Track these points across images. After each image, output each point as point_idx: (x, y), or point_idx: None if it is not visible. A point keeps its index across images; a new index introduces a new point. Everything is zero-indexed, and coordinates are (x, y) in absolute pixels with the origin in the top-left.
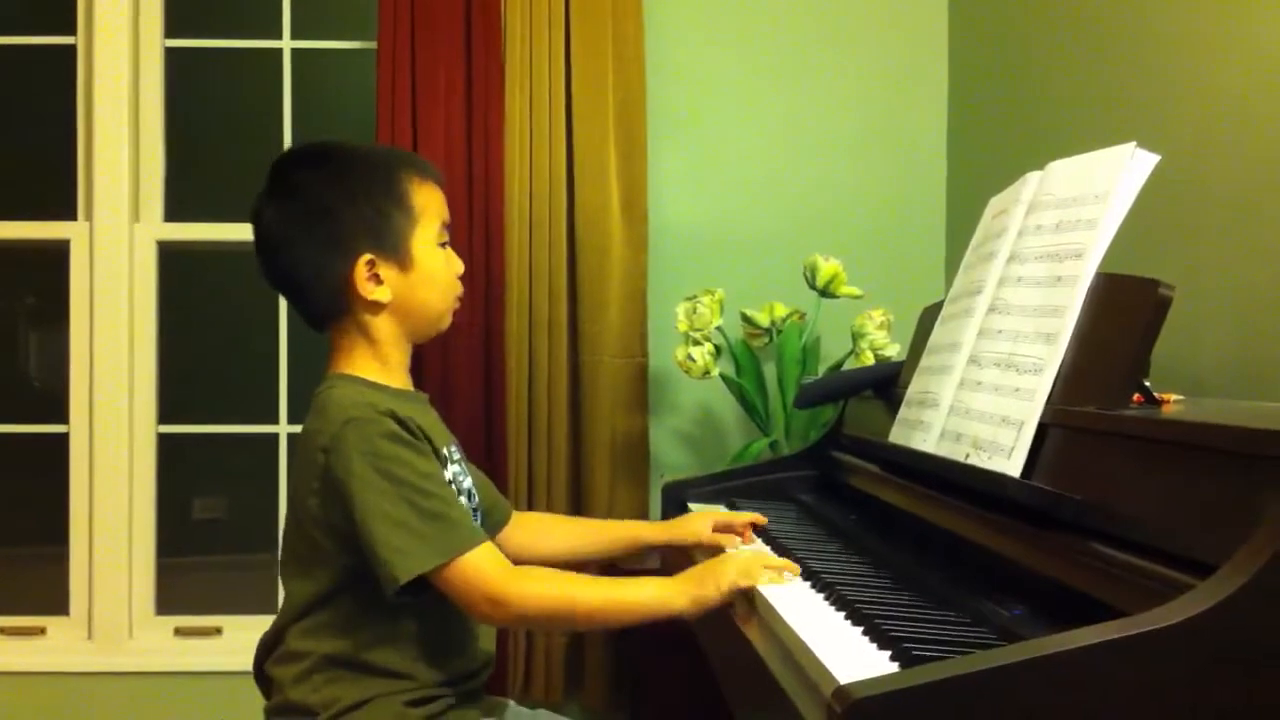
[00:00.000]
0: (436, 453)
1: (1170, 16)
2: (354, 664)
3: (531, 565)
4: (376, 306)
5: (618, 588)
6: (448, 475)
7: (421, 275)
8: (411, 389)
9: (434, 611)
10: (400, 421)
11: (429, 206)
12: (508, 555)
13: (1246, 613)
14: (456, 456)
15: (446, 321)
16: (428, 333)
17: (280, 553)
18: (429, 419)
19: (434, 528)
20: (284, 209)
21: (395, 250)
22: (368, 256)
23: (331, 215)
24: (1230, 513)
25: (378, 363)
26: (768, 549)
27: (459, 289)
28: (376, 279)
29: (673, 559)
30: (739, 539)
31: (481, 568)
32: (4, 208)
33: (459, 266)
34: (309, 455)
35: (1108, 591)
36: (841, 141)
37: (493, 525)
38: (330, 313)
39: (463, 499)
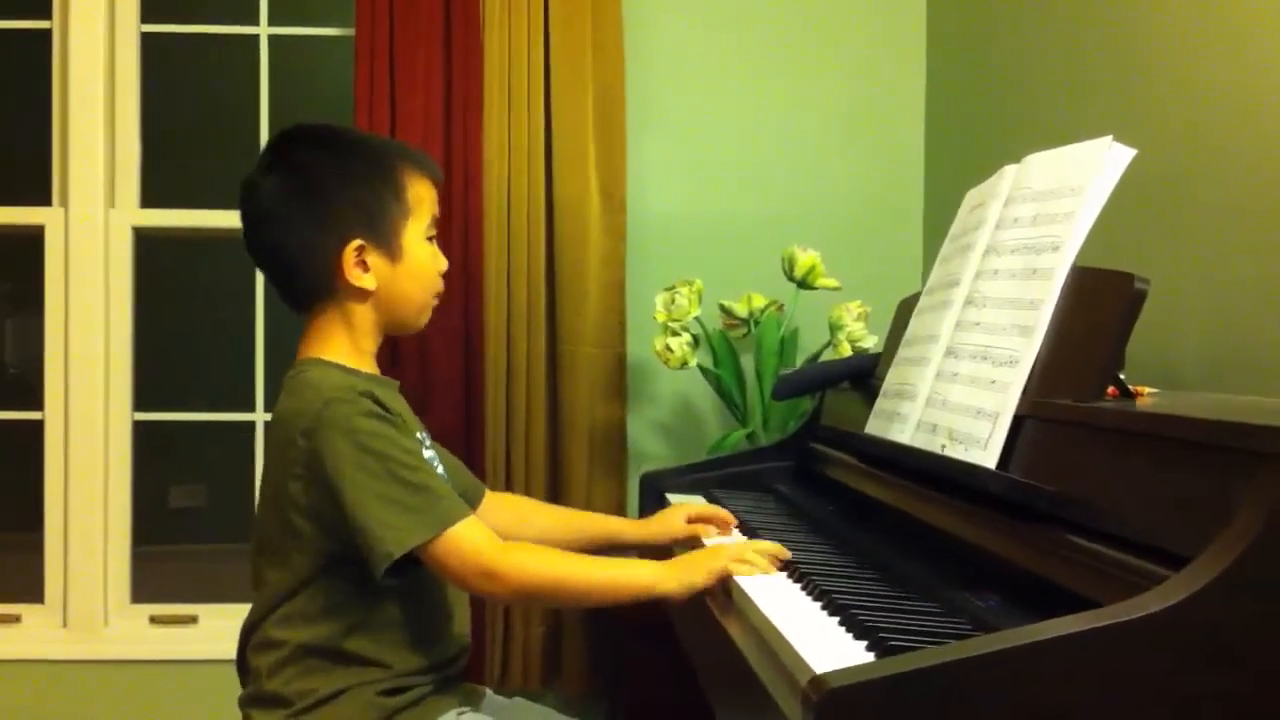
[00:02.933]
0: (411, 433)
1: (1148, 10)
2: (330, 652)
3: (516, 540)
4: (360, 294)
5: (609, 567)
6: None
7: (408, 268)
8: (379, 375)
9: (412, 598)
10: (378, 401)
11: (423, 201)
12: None
13: (1219, 604)
14: (428, 442)
15: (424, 318)
16: (405, 326)
17: (253, 540)
18: (399, 404)
19: (422, 500)
20: (281, 184)
21: (386, 240)
22: (358, 242)
23: (328, 196)
24: (1204, 505)
25: (351, 349)
26: (745, 539)
27: (440, 286)
28: (364, 266)
29: (651, 555)
30: (714, 529)
31: (473, 539)
32: None
33: (443, 264)
34: (287, 439)
35: (1082, 583)
36: (820, 133)
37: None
38: (313, 294)
39: (441, 478)
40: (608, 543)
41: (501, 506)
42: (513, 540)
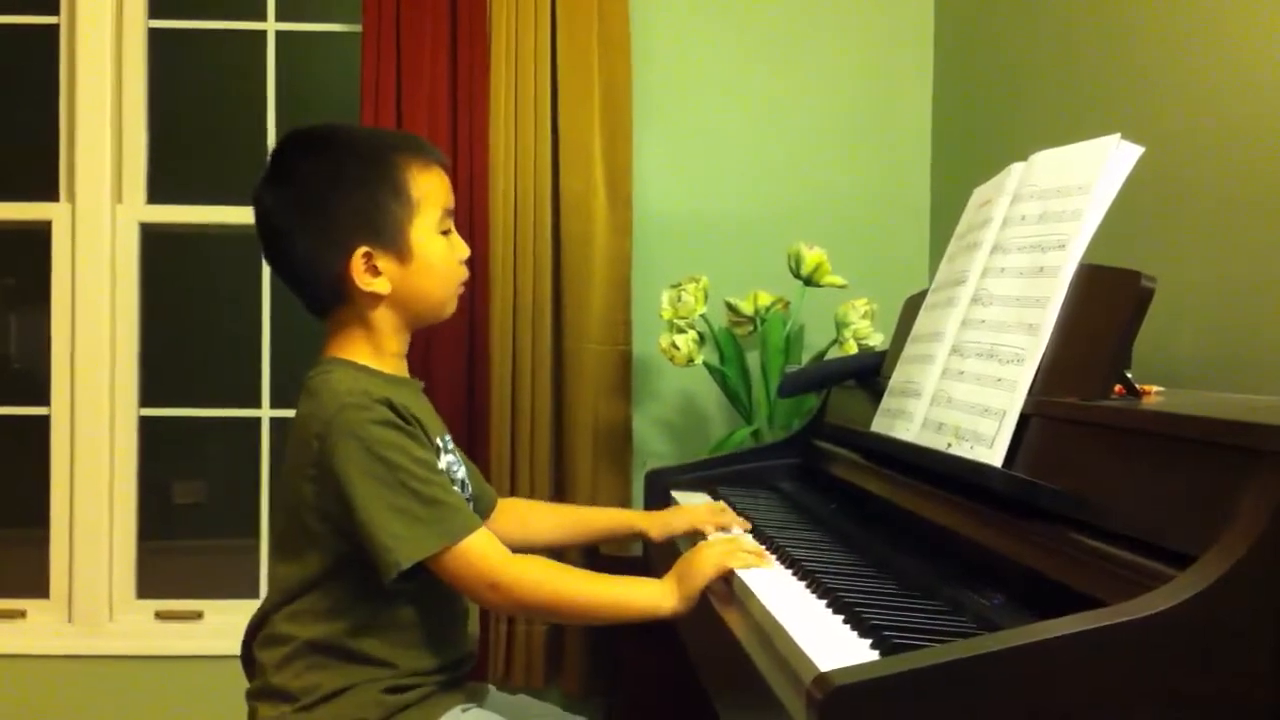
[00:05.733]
0: (430, 441)
1: (1154, 10)
2: (338, 650)
3: (525, 554)
4: (375, 298)
5: (612, 586)
6: (441, 464)
7: (421, 266)
8: (406, 376)
9: (423, 601)
10: (395, 409)
11: (430, 194)
12: None
13: (1224, 604)
14: (450, 446)
15: (450, 308)
16: (430, 320)
17: (270, 536)
18: (422, 407)
19: (432, 513)
20: (282, 198)
21: (393, 242)
22: (364, 249)
23: (327, 207)
24: (1209, 504)
25: (372, 350)
26: (749, 537)
27: (462, 274)
28: (374, 271)
29: (655, 550)
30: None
31: (482, 553)
32: None
33: (464, 251)
34: (303, 440)
35: (1087, 581)
36: (827, 130)
37: (480, 513)
38: (329, 302)
39: (455, 489)
40: (612, 536)
41: (508, 512)
42: (518, 543)
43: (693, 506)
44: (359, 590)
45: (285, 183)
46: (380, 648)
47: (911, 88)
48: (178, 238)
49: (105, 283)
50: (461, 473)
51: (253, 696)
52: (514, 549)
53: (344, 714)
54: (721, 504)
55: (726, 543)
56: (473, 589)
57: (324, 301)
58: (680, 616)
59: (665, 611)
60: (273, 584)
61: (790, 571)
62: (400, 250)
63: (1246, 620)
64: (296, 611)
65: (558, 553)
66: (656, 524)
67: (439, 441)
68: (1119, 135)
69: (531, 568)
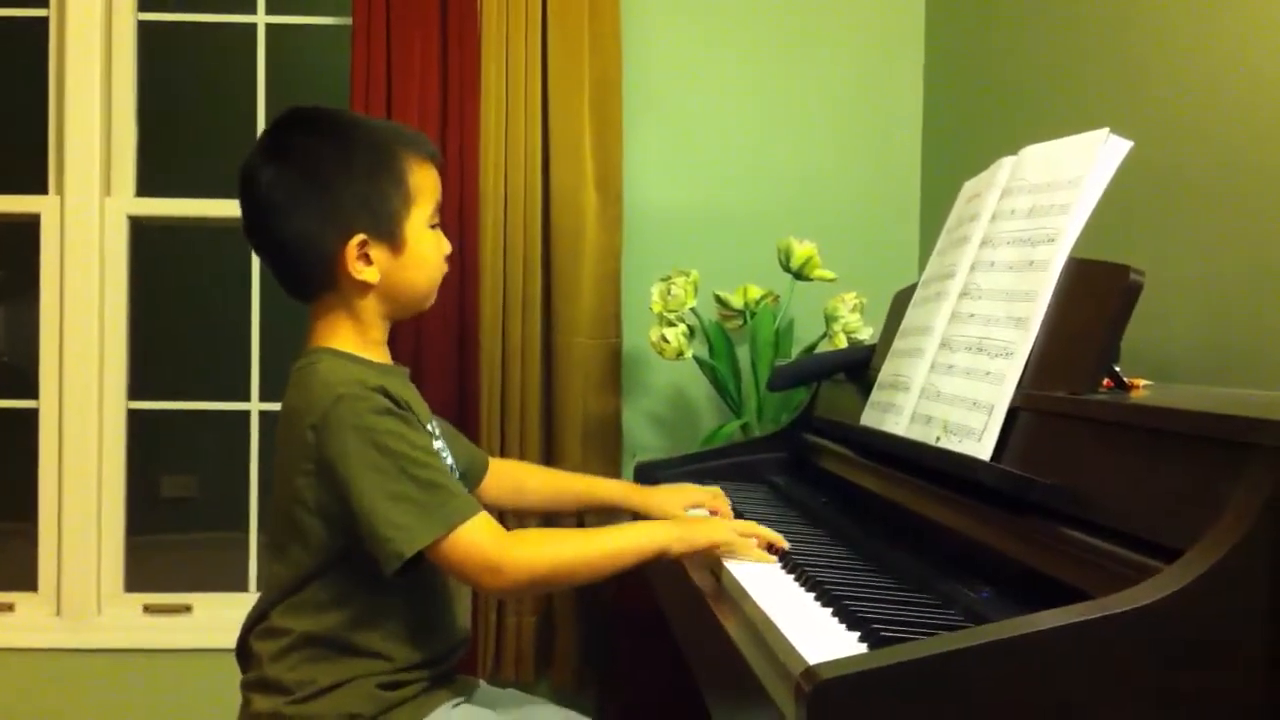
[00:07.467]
0: (423, 427)
1: (1145, 4)
2: (334, 643)
3: (519, 529)
4: (364, 286)
5: (610, 537)
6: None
7: (411, 258)
8: (391, 363)
9: (416, 591)
10: (390, 396)
11: (425, 188)
12: (485, 505)
13: (1210, 598)
14: (437, 432)
15: (430, 301)
16: (411, 312)
17: (264, 532)
18: (411, 394)
19: (433, 499)
20: (281, 175)
21: (388, 232)
22: (361, 236)
23: (330, 189)
24: (1197, 498)
25: (360, 338)
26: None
27: (445, 269)
28: (366, 259)
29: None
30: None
31: (479, 538)
32: None
33: (447, 248)
34: (296, 434)
35: (1075, 575)
36: (817, 124)
37: (472, 481)
38: (315, 285)
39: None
40: (603, 508)
41: (500, 476)
42: (511, 508)
43: (692, 487)
44: (355, 583)
45: (286, 160)
46: (377, 640)
47: (902, 81)
48: (167, 231)
49: (94, 276)
50: (449, 459)
51: (247, 687)
52: (507, 512)
53: (338, 708)
54: (717, 489)
55: (746, 525)
56: (472, 575)
57: (305, 283)
58: (677, 557)
59: (662, 547)
60: (269, 580)
61: (780, 564)
62: (394, 241)
63: (1233, 614)
64: (294, 605)
65: (552, 518)
66: (654, 505)
67: (429, 427)
68: (1108, 130)
69: (528, 545)
